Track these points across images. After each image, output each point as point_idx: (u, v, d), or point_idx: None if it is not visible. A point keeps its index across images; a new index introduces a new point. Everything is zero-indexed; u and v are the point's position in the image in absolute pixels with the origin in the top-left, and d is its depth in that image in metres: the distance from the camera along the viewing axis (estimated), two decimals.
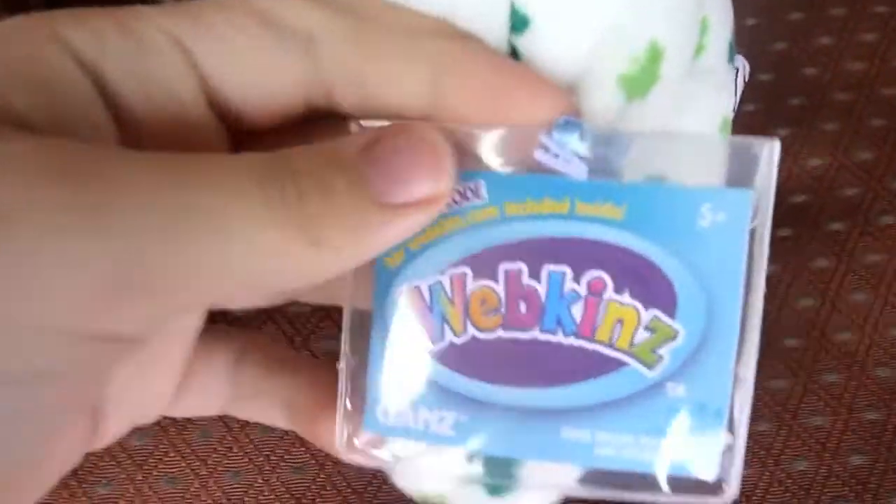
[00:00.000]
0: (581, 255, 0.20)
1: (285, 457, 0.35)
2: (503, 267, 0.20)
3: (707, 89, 0.30)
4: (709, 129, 0.30)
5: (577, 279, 0.20)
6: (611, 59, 0.21)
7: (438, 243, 0.20)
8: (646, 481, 0.20)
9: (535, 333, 0.20)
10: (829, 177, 0.41)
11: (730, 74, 0.31)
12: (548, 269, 0.20)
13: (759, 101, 0.42)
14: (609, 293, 0.20)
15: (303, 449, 0.35)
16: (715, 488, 0.20)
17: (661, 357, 0.20)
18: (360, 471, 0.34)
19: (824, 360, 0.37)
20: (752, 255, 0.19)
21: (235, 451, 0.34)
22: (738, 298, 0.19)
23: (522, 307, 0.20)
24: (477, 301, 0.20)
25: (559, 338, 0.20)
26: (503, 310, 0.20)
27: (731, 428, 0.20)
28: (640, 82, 0.22)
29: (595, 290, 0.20)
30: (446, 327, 0.20)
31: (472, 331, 0.20)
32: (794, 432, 0.36)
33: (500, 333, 0.20)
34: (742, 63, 0.40)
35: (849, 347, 0.37)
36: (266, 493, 0.34)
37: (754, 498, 0.34)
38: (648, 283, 0.19)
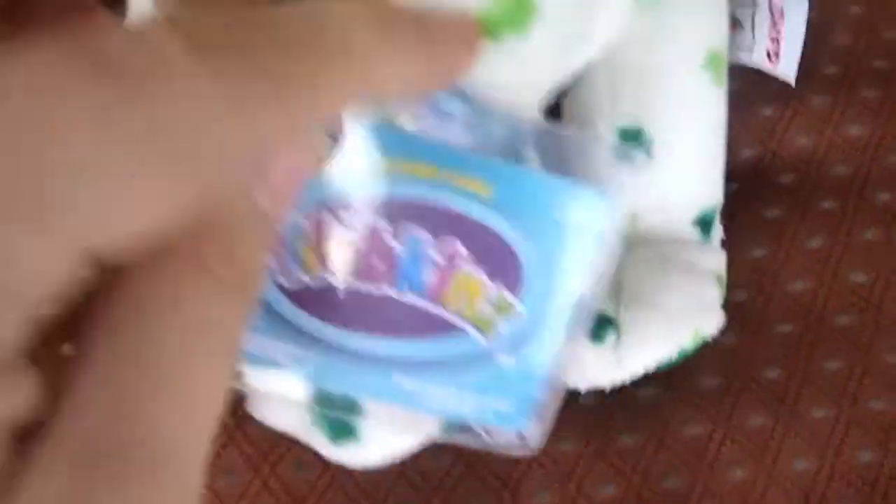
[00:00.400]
0: (444, 223, 0.20)
1: (286, 454, 0.31)
2: (367, 220, 0.20)
3: (684, 22, 0.28)
4: (691, 64, 0.30)
5: (435, 246, 0.20)
6: None
7: (309, 182, 0.20)
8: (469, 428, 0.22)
9: (386, 289, 0.21)
10: (872, 146, 0.37)
11: (717, 4, 0.29)
12: (409, 231, 0.20)
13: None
14: (463, 264, 0.21)
15: (306, 446, 0.31)
16: (522, 440, 0.22)
17: (497, 329, 0.21)
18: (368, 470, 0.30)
19: (882, 338, 0.33)
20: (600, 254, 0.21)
21: (230, 448, 0.31)
22: (577, 292, 0.21)
23: (378, 263, 0.21)
24: (335, 248, 0.20)
25: (408, 297, 0.21)
26: (359, 262, 0.21)
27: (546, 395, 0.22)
28: (505, 20, 0.21)
29: (450, 260, 0.20)
30: (298, 266, 0.21)
31: (325, 275, 0.21)
32: (854, 420, 0.32)
33: (353, 283, 0.21)
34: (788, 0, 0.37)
35: None
36: (265, 496, 0.30)
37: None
38: (500, 261, 0.21)
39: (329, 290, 0.21)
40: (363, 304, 0.21)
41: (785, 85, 0.39)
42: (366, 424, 0.25)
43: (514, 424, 0.22)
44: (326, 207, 0.20)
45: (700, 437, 0.32)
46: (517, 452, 0.22)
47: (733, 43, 0.36)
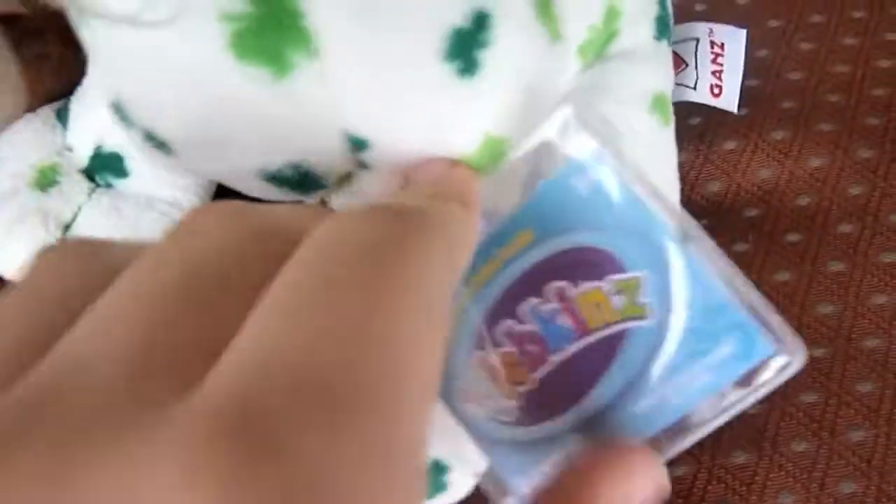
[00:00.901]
0: (531, 282, 0.22)
1: None
2: (497, 331, 0.22)
3: (626, 70, 0.29)
4: (637, 110, 0.31)
5: (543, 300, 0.22)
6: (444, 153, 0.23)
7: (452, 350, 0.23)
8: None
9: (552, 359, 0.22)
10: (832, 178, 0.38)
11: (659, 51, 0.31)
12: (521, 308, 0.22)
13: (750, 106, 0.40)
14: (571, 291, 0.21)
15: None
16: (777, 356, 0.20)
17: (646, 302, 0.21)
18: None
19: (853, 369, 0.34)
20: (634, 178, 0.21)
21: None
22: (660, 214, 0.21)
23: (531, 348, 0.22)
24: (505, 367, 0.22)
25: (569, 348, 0.22)
26: (523, 358, 0.22)
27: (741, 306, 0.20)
28: (482, 167, 0.24)
29: (562, 298, 0.22)
30: (499, 400, 0.22)
31: (518, 389, 0.22)
32: (835, 452, 0.32)
33: (534, 376, 0.22)
34: (727, 33, 0.38)
35: (876, 355, 0.34)
36: None
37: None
38: (588, 263, 0.21)
39: (527, 396, 0.22)
40: (554, 384, 0.22)
41: (745, 119, 0.40)
42: (452, 477, 0.28)
43: (760, 348, 0.20)
44: (471, 350, 0.23)
45: (685, 478, 0.31)
46: (789, 364, 0.20)
47: (678, 82, 0.37)
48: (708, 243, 0.21)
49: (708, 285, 0.20)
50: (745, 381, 0.20)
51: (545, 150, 0.22)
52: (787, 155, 0.39)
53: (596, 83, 0.30)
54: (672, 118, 0.32)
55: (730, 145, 0.39)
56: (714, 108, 0.38)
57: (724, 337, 0.20)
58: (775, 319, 0.20)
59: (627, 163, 0.21)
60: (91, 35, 0.22)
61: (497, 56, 0.22)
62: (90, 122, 0.28)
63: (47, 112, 0.31)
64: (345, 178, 0.25)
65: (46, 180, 0.29)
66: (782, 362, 0.20)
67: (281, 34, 0.20)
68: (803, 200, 0.38)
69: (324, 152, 0.22)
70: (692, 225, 0.21)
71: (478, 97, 0.22)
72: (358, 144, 0.22)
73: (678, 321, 0.21)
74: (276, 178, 0.23)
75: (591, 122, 0.22)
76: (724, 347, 0.20)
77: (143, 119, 0.22)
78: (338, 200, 0.26)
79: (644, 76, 0.30)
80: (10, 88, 0.36)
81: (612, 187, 0.21)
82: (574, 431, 0.22)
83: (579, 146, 0.22)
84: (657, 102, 0.30)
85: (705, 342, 0.20)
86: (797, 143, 0.39)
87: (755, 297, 0.20)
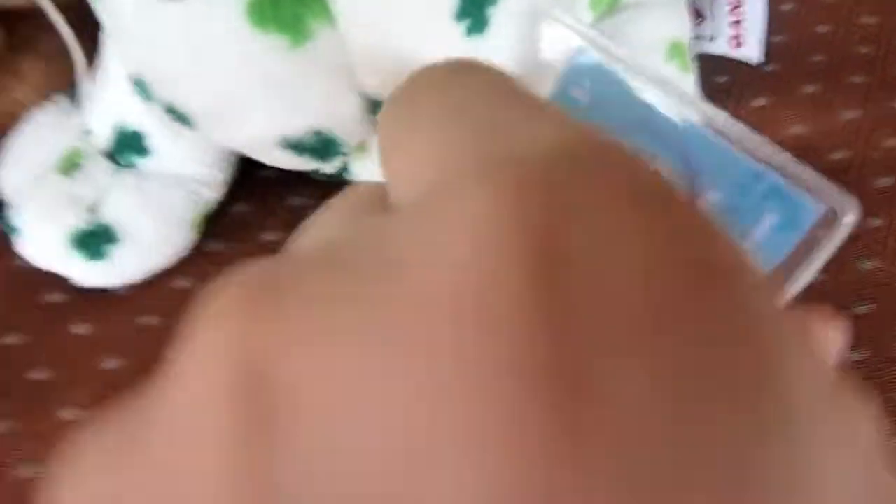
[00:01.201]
0: None
1: None
2: None
3: (639, 20, 0.29)
4: (654, 54, 0.30)
5: None
6: None
7: None
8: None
9: None
10: (866, 130, 0.37)
11: (676, 1, 0.30)
12: None
13: (777, 61, 0.39)
14: None
15: None
16: (831, 217, 0.18)
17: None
18: None
19: (891, 325, 0.33)
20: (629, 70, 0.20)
21: None
22: (664, 99, 0.19)
23: None
24: None
25: None
26: None
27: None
28: None
29: None
30: None
31: None
32: None
33: None
34: None
35: None
36: None
37: None
38: None
39: None
40: None
41: (773, 75, 0.39)
42: None
43: (806, 210, 0.18)
44: None
45: None
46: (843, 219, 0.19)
47: (697, 34, 0.36)
48: (721, 117, 0.19)
49: (731, 159, 0.18)
50: (803, 248, 0.18)
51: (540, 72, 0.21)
52: (819, 108, 0.38)
53: (610, 35, 0.30)
54: (691, 65, 0.31)
55: (759, 101, 0.38)
56: (740, 64, 0.37)
57: (765, 208, 0.18)
58: (814, 177, 0.18)
59: (619, 54, 0.20)
60: (111, 12, 0.22)
61: (505, 12, 0.22)
62: (108, 103, 0.28)
63: (62, 97, 0.31)
64: (362, 145, 0.25)
65: (70, 165, 0.28)
66: (834, 219, 0.18)
67: (301, 2, 0.19)
68: (837, 154, 0.37)
69: (342, 116, 0.22)
70: (700, 101, 0.19)
71: (486, 55, 0.22)
72: (374, 106, 0.22)
73: (711, 203, 0.19)
74: (297, 146, 0.23)
75: (573, 24, 0.21)
76: (768, 219, 0.18)
77: (163, 92, 0.22)
78: (358, 167, 0.26)
79: (658, 23, 0.29)
80: (32, 83, 0.36)
81: (611, 87, 0.20)
82: None
83: (566, 47, 0.20)
84: (674, 49, 0.30)
85: (746, 219, 0.18)
86: (827, 97, 0.38)
87: (787, 159, 0.18)
